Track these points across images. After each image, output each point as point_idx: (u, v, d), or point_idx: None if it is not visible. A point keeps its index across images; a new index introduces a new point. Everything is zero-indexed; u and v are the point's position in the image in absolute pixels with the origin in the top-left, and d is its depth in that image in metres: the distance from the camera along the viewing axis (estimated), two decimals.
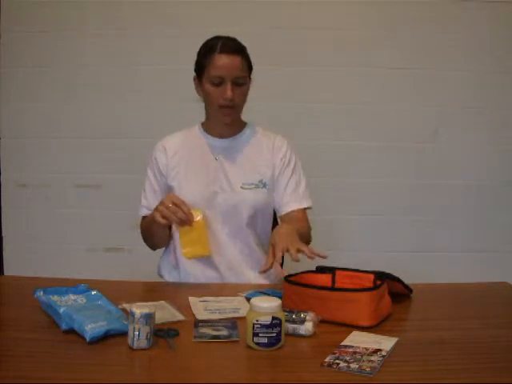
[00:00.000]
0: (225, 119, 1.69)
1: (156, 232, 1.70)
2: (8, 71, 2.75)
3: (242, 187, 1.70)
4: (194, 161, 1.74)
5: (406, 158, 2.78)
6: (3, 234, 2.85)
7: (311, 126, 2.73)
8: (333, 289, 1.38)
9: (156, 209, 1.57)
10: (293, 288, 1.34)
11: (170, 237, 1.75)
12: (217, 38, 1.66)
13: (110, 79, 2.75)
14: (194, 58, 1.72)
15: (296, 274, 1.41)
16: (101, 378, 0.99)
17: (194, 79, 1.72)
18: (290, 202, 1.75)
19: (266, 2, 2.69)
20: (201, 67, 1.67)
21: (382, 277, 1.37)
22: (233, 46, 1.63)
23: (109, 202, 2.79)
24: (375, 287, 1.31)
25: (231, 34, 1.69)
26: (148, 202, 1.75)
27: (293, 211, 1.74)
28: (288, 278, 1.38)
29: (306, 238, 1.69)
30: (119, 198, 2.78)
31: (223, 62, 1.61)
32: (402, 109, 2.76)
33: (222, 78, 1.61)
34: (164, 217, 1.53)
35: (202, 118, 1.79)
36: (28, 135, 2.80)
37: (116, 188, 2.78)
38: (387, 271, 1.41)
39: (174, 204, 1.53)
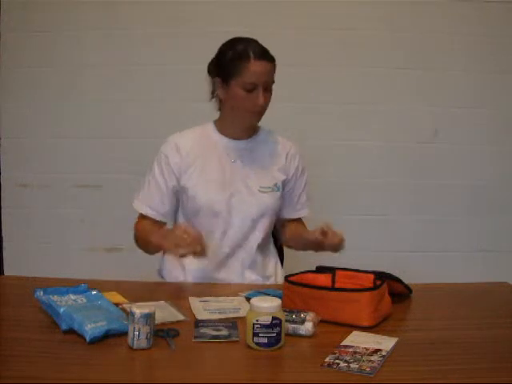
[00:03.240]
0: (250, 122, 1.69)
1: (154, 252, 1.71)
2: (8, 71, 2.75)
3: (259, 190, 1.70)
4: (210, 161, 1.70)
5: (405, 158, 2.78)
6: (3, 234, 2.84)
7: (311, 126, 2.73)
8: (333, 289, 1.38)
9: (173, 242, 1.48)
10: (293, 288, 1.34)
11: None
12: (245, 42, 1.63)
13: (110, 79, 2.74)
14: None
15: (296, 274, 1.41)
16: (101, 378, 0.99)
17: (216, 79, 1.66)
18: (302, 209, 1.83)
19: (266, 2, 2.69)
20: (231, 71, 1.61)
21: (381, 277, 1.37)
22: (266, 53, 1.62)
23: (109, 201, 2.79)
24: (375, 287, 1.31)
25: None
26: (152, 202, 1.71)
27: (300, 218, 1.84)
28: (288, 278, 1.38)
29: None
30: (119, 198, 2.75)
31: (259, 68, 1.59)
32: (401, 109, 2.76)
33: (256, 84, 1.60)
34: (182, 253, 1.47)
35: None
36: (28, 135, 2.79)
37: (116, 188, 2.77)
38: (387, 271, 1.41)
39: (192, 237, 1.46)
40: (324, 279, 1.43)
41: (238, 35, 1.68)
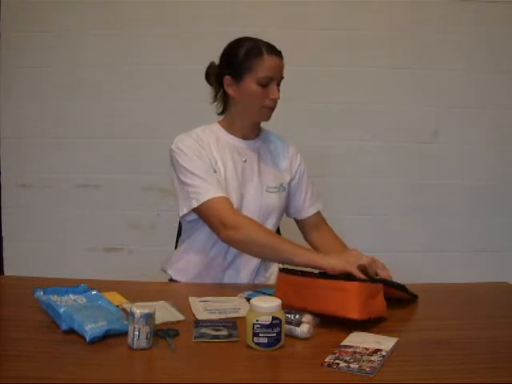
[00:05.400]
0: (263, 118, 1.70)
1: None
2: (8, 71, 2.75)
3: (266, 190, 1.71)
4: (227, 160, 1.67)
5: (406, 157, 2.78)
6: (3, 234, 2.84)
7: (311, 126, 2.73)
8: (321, 276, 1.32)
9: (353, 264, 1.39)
10: (284, 277, 1.35)
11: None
12: (253, 39, 1.64)
13: (110, 79, 2.74)
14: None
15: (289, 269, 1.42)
16: (101, 378, 0.99)
17: (226, 78, 1.64)
18: (312, 205, 1.82)
19: (267, 2, 2.69)
20: (245, 67, 1.61)
21: (384, 283, 1.35)
22: (276, 49, 1.65)
23: (109, 201, 2.79)
24: (367, 281, 1.30)
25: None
26: (216, 184, 1.59)
27: (315, 214, 1.82)
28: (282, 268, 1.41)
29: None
30: (119, 198, 2.78)
31: (274, 63, 1.62)
32: (402, 109, 2.76)
33: (271, 78, 1.62)
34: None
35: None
36: (28, 135, 2.79)
37: (116, 188, 2.78)
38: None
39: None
40: None
41: (237, 35, 1.69)
